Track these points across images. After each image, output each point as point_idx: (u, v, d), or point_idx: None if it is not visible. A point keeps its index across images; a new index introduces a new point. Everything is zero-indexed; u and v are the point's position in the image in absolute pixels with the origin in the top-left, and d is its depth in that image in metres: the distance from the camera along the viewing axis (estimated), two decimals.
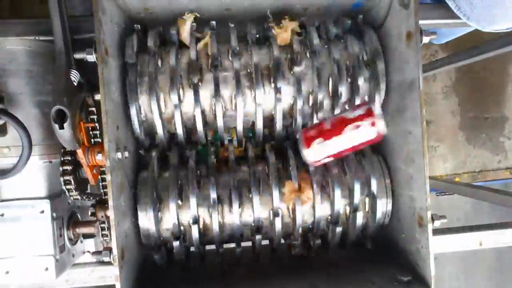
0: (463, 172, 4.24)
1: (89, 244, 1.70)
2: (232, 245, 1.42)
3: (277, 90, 1.25)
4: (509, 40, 1.89)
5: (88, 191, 1.47)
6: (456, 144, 4.14)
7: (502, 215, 4.09)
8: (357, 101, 1.28)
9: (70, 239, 1.49)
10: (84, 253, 1.65)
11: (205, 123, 1.33)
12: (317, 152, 1.18)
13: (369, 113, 1.11)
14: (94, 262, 1.65)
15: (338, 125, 1.14)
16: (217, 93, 1.23)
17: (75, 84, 1.17)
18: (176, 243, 1.27)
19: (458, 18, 1.48)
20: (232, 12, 1.35)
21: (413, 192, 1.24)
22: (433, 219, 1.18)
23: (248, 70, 1.28)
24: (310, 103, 1.30)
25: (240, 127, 1.32)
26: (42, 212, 1.35)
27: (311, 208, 1.33)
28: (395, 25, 1.23)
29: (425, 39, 1.16)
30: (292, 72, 1.27)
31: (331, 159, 1.22)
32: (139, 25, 1.31)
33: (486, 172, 4.24)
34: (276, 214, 1.28)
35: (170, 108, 1.26)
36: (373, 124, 1.10)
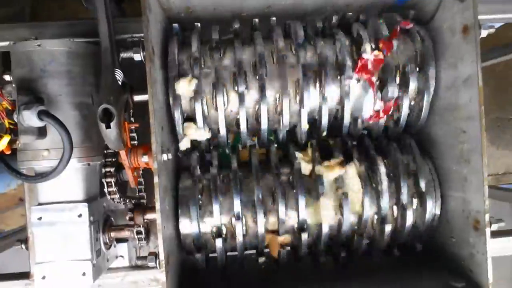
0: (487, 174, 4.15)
1: (122, 249, 1.66)
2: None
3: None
4: None
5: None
6: None
7: None
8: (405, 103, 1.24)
9: (105, 243, 1.46)
10: (117, 257, 1.62)
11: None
12: None
13: None
14: (126, 266, 1.63)
15: None
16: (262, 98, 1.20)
17: (120, 83, 1.14)
18: (218, 243, 1.24)
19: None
20: (273, 9, 1.32)
21: (467, 194, 1.18)
22: (490, 223, 1.13)
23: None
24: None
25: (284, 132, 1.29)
26: (80, 216, 1.31)
27: (360, 206, 1.27)
28: (447, 19, 1.18)
29: (483, 33, 1.11)
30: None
31: None
32: (177, 24, 1.28)
33: (511, 175, 4.14)
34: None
35: (213, 111, 1.24)
36: None
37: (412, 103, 1.27)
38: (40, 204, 1.32)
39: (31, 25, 1.53)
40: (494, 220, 1.16)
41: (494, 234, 1.53)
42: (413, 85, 1.21)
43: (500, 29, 1.52)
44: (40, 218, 1.31)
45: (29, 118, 1.12)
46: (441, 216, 1.32)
